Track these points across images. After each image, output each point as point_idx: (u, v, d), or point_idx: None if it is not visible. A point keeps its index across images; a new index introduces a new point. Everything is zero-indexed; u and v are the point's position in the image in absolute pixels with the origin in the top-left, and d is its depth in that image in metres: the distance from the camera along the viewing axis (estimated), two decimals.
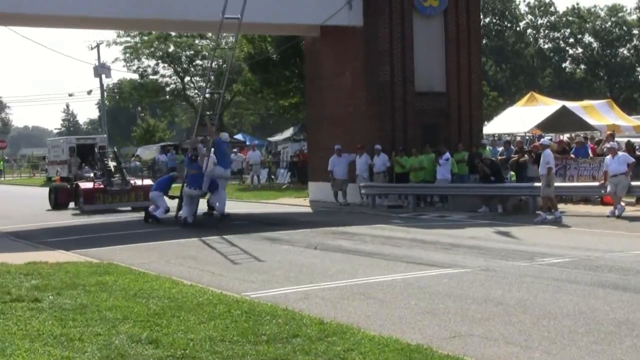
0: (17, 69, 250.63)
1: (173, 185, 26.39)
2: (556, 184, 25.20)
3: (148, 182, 31.03)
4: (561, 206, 25.62)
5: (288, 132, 54.18)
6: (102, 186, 30.03)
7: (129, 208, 30.14)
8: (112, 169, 31.50)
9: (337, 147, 29.43)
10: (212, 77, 68.31)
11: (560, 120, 34.49)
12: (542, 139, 25.86)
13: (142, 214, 25.87)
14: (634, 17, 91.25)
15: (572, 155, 27.78)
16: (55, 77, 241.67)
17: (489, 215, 24.25)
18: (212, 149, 24.55)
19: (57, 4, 25.80)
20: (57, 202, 32.08)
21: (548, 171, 22.15)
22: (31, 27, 29.09)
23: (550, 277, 12.96)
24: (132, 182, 30.76)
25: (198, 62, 67.81)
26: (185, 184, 24.49)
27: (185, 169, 25.51)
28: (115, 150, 37.08)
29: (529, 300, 11.15)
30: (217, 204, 24.76)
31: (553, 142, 31.86)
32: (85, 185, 30.98)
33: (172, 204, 25.02)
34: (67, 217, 28.22)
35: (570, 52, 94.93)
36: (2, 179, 72.38)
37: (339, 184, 29.67)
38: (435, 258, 15.57)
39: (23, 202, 35.23)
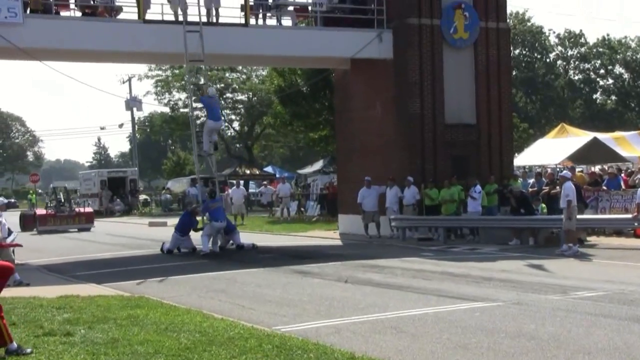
0: (49, 103, 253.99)
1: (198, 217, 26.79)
2: (589, 216, 25.05)
3: (89, 209, 44.23)
4: (593, 238, 25.45)
5: (318, 165, 54.26)
6: (53, 213, 40.71)
7: (75, 229, 40.01)
8: (62, 200, 42.82)
9: (366, 179, 29.40)
10: (242, 110, 68.81)
11: (592, 152, 34.27)
12: (563, 172, 25.67)
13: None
14: None
15: (605, 187, 27.55)
16: (88, 111, 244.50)
17: (520, 248, 24.06)
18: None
19: (89, 39, 26.12)
20: (25, 225, 41.05)
21: (568, 204, 22.09)
22: (64, 61, 29.47)
23: (584, 311, 12.81)
24: (76, 209, 42.52)
25: (228, 95, 68.10)
26: (209, 219, 25.21)
27: (206, 205, 25.91)
28: (66, 186, 49.12)
29: (562, 335, 11.01)
30: (240, 241, 26.45)
31: (585, 173, 31.64)
32: (40, 212, 42.01)
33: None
34: (97, 250, 28.37)
35: (601, 83, 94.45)
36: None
37: (369, 216, 29.57)
38: (467, 291, 15.45)
39: (54, 235, 35.60)
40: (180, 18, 27.26)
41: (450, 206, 27.65)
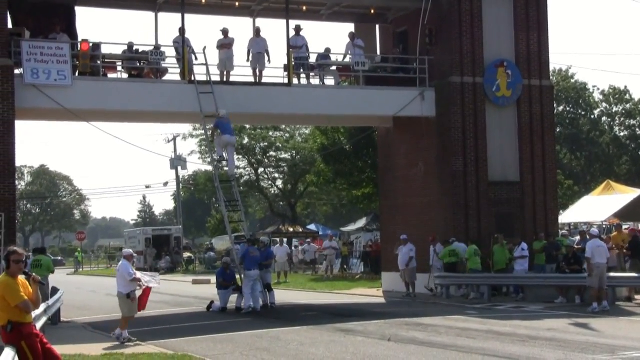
0: (96, 163, 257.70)
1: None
2: (633, 275, 24.76)
3: None
4: None
5: (361, 222, 54.20)
6: None
7: None
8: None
9: (402, 237, 29.14)
10: (286, 169, 69.17)
11: (639, 209, 33.89)
12: (591, 229, 25.46)
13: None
14: None
15: None
16: (133, 170, 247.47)
17: (567, 306, 23.74)
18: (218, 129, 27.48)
19: (135, 100, 26.56)
20: None
21: (587, 261, 21.98)
22: (111, 122, 30.00)
23: None
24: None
25: (272, 153, 68.55)
26: (244, 272, 25.06)
27: (246, 251, 25.60)
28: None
29: None
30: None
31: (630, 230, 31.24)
32: None
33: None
34: None
35: None
36: (81, 270, 73.66)
37: (402, 273, 29.32)
38: (512, 351, 15.25)
39: (100, 292, 35.90)
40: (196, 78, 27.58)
41: (472, 261, 27.52)
